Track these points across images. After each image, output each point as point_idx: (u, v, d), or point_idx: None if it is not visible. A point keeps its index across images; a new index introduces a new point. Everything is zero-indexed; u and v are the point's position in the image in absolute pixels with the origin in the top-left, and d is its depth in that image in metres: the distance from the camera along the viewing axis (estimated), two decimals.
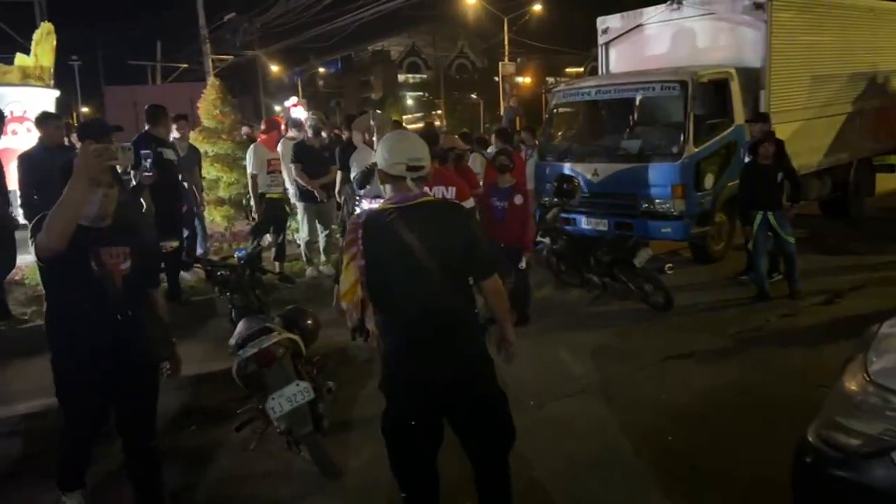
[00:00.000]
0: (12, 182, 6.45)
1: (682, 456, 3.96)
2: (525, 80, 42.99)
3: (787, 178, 6.97)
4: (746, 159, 7.39)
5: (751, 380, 4.97)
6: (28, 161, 6.20)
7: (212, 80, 11.75)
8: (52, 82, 11.43)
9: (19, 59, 11.33)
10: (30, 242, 3.04)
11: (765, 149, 6.87)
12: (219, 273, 4.62)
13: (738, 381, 4.97)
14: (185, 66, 27.44)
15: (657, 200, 7.88)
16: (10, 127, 9.41)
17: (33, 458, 4.22)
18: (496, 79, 34.42)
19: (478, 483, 2.91)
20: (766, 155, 6.86)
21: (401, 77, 63.57)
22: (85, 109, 40.84)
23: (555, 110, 9.58)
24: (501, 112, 26.68)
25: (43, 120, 6.59)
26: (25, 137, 9.61)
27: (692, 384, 4.98)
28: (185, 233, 7.43)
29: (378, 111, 9.86)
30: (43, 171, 5.87)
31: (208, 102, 10.16)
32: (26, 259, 6.16)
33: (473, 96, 47.42)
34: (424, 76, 60.79)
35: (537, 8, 32.98)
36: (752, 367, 5.23)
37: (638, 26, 9.68)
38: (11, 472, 4.17)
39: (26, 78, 10.89)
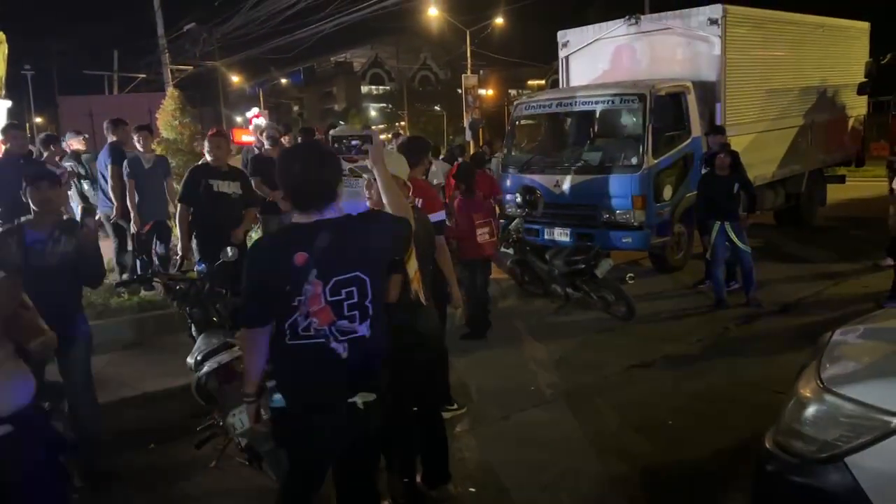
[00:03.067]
0: None
1: (646, 463, 4.00)
2: (488, 92, 43.30)
3: (744, 189, 7.13)
4: (703, 171, 7.54)
5: (712, 387, 5.05)
6: None
7: (171, 91, 11.54)
8: (3, 92, 11.12)
9: None
10: None
11: (721, 160, 7.02)
12: (178, 287, 4.53)
13: (699, 388, 5.05)
14: (144, 76, 26.95)
15: (618, 211, 8.00)
16: None
17: None
18: (459, 91, 34.59)
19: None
20: (723, 166, 7.02)
21: (364, 88, 63.57)
22: (38, 120, 39.80)
23: (517, 122, 9.67)
24: (465, 124, 26.83)
25: (7, 130, 6.58)
26: None
27: (655, 392, 5.04)
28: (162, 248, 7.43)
29: (341, 123, 9.81)
30: (6, 180, 5.79)
31: (167, 113, 9.97)
32: None
33: (437, 108, 47.60)
34: (388, 88, 60.86)
35: (499, 21, 33.31)
36: (713, 375, 5.32)
37: (598, 40, 9.84)
38: None
39: None
